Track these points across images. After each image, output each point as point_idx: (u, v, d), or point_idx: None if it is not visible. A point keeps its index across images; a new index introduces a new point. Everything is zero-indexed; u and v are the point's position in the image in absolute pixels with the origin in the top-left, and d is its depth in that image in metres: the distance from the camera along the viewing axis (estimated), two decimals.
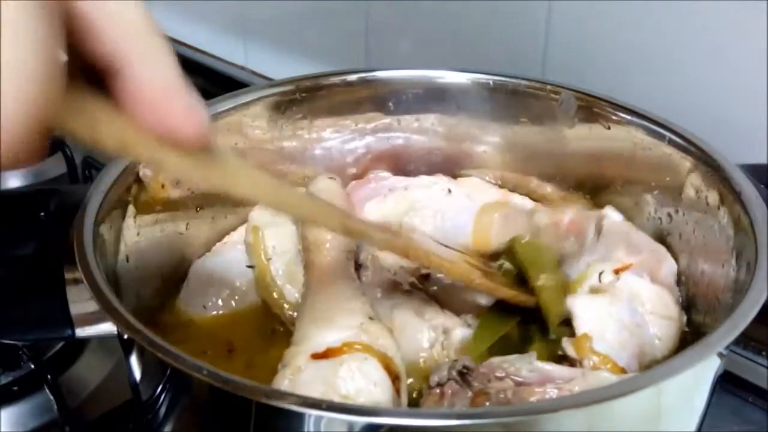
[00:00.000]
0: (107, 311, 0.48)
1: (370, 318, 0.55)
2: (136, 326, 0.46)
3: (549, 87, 0.70)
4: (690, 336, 0.59)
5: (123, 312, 0.47)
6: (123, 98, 0.36)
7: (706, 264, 0.59)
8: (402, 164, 0.76)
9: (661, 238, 0.65)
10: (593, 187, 0.70)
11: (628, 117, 0.66)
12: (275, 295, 0.63)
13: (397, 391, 0.51)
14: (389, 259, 0.63)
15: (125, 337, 0.49)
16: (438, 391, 0.51)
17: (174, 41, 1.26)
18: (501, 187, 0.74)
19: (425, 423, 0.41)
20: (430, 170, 0.75)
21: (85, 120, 0.36)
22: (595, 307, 0.57)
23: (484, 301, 0.62)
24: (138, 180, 0.61)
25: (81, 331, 0.54)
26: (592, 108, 0.68)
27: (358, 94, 0.74)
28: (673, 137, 0.63)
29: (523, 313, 0.61)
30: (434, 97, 0.74)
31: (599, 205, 0.69)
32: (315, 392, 0.48)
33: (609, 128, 0.67)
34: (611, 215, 0.66)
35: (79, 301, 0.53)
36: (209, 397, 0.45)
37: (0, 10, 0.30)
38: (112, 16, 0.35)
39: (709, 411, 0.50)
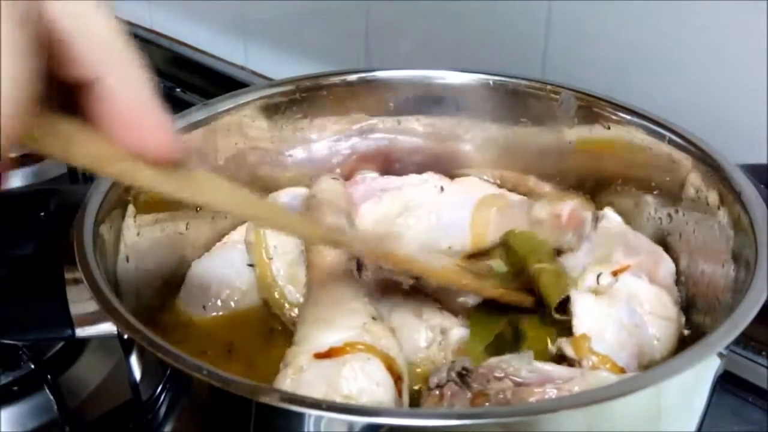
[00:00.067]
0: (107, 311, 0.48)
1: (373, 318, 0.55)
2: (136, 326, 0.46)
3: (549, 87, 0.70)
4: (690, 336, 0.59)
5: (123, 312, 0.47)
6: (95, 115, 0.37)
7: (706, 264, 0.59)
8: (400, 165, 0.76)
9: (661, 238, 0.65)
10: (593, 187, 0.70)
11: (628, 117, 0.66)
12: (276, 295, 0.63)
13: (399, 391, 0.51)
14: None
15: (125, 337, 0.49)
16: (437, 392, 0.51)
17: (174, 41, 1.26)
18: (500, 186, 0.74)
19: (425, 423, 0.41)
20: (427, 170, 0.75)
21: (57, 138, 0.36)
22: (594, 308, 0.57)
23: (476, 301, 0.62)
24: None
25: (81, 331, 0.54)
26: (591, 108, 0.68)
27: (358, 94, 0.74)
28: (673, 137, 0.63)
29: (513, 310, 0.61)
30: (434, 97, 0.74)
31: (599, 205, 0.69)
32: (317, 392, 0.48)
33: (609, 128, 0.67)
34: (610, 216, 0.67)
35: (79, 301, 0.53)
36: (209, 397, 0.45)
37: None
38: (87, 32, 0.35)
39: (709, 411, 0.50)
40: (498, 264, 0.66)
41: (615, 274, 0.60)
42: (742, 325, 0.46)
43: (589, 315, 0.57)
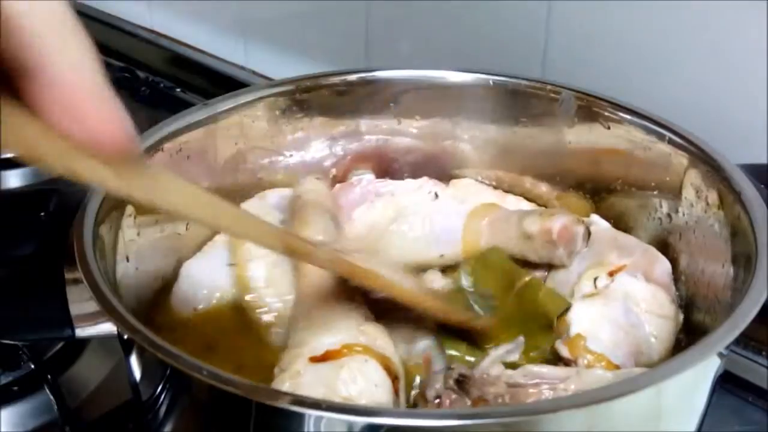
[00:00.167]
0: (107, 311, 0.48)
1: (366, 319, 0.55)
2: (136, 326, 0.46)
3: (549, 87, 0.70)
4: (688, 336, 0.59)
5: (123, 312, 0.47)
6: (37, 102, 0.34)
7: (706, 264, 0.59)
8: (398, 165, 0.76)
9: (661, 237, 0.65)
10: (593, 187, 0.70)
11: (628, 117, 0.66)
12: (253, 297, 0.62)
13: (396, 391, 0.51)
14: None
15: (125, 337, 0.49)
16: (436, 402, 0.51)
17: (174, 41, 1.26)
18: (496, 187, 0.74)
19: (426, 423, 0.41)
20: (425, 171, 0.74)
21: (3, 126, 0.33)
22: (590, 308, 0.58)
23: None
24: None
25: (81, 331, 0.53)
26: (591, 108, 0.68)
27: (358, 94, 0.74)
28: (673, 137, 0.63)
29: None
30: (434, 97, 0.74)
31: (599, 206, 0.69)
32: (316, 395, 0.48)
33: (609, 128, 0.67)
34: (598, 222, 0.66)
35: (79, 301, 0.53)
36: (209, 397, 0.45)
37: None
38: (34, 12, 0.32)
39: (709, 411, 0.50)
40: (465, 277, 0.64)
41: (611, 274, 0.60)
42: (742, 325, 0.46)
43: (584, 316, 0.57)
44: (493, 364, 0.54)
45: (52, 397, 0.71)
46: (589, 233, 0.63)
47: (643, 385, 0.43)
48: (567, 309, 0.58)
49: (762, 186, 0.56)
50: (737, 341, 0.45)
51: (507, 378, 0.51)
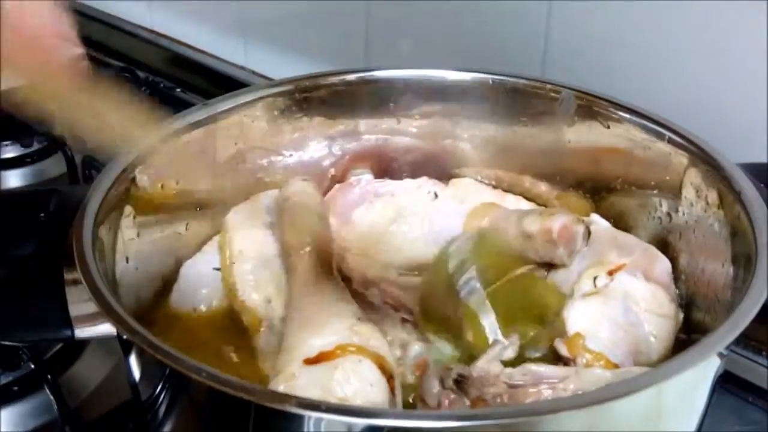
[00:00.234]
0: (106, 312, 0.48)
1: (359, 319, 0.54)
2: (134, 327, 0.46)
3: (549, 86, 0.70)
4: (688, 335, 0.59)
5: (122, 313, 0.47)
6: None
7: (706, 263, 0.59)
8: (397, 164, 0.76)
9: (662, 237, 0.65)
10: (592, 186, 0.70)
11: (628, 116, 0.66)
12: (238, 300, 0.62)
13: (392, 389, 0.50)
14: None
15: (124, 337, 0.49)
16: (435, 403, 0.51)
17: (174, 41, 1.26)
18: (495, 187, 0.74)
19: (426, 424, 0.41)
20: (424, 170, 0.74)
21: None
22: (589, 307, 0.57)
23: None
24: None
25: (80, 332, 0.53)
26: (591, 107, 0.68)
27: (357, 93, 0.74)
28: (673, 136, 0.63)
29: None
30: (433, 97, 0.74)
31: (599, 205, 0.69)
32: (312, 397, 0.47)
33: (608, 127, 0.67)
34: (597, 221, 0.66)
35: (79, 302, 0.53)
36: (208, 397, 0.45)
37: None
38: None
39: (709, 411, 0.50)
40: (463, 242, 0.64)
41: (611, 273, 0.59)
42: (742, 325, 0.46)
43: (583, 315, 0.57)
44: (491, 363, 0.53)
45: (52, 397, 0.71)
46: (589, 232, 0.63)
47: (643, 385, 0.43)
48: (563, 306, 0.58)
49: (762, 185, 0.56)
50: (737, 341, 0.45)
51: (506, 377, 0.51)
